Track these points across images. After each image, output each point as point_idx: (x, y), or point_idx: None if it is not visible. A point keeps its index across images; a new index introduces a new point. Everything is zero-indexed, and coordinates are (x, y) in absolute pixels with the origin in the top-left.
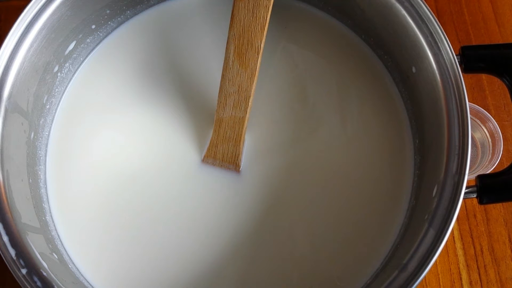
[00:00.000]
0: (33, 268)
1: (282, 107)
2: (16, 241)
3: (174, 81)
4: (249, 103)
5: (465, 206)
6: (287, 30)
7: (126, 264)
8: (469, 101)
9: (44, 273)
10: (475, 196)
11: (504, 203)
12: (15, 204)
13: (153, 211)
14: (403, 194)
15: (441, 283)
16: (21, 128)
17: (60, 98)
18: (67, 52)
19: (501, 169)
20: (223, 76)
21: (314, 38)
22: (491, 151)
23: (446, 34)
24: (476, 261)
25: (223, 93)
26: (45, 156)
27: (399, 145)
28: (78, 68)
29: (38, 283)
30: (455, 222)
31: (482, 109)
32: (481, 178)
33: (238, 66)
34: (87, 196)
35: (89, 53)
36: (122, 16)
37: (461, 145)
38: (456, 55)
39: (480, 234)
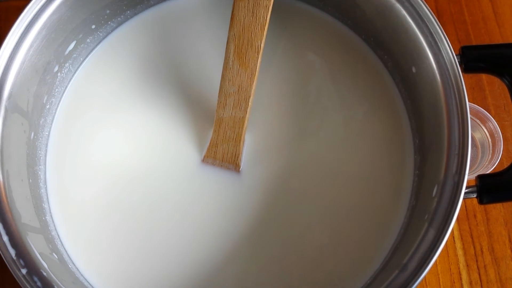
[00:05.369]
0: (33, 268)
1: (282, 107)
2: (16, 241)
3: (174, 81)
4: (249, 103)
5: (465, 206)
6: (287, 30)
7: (126, 264)
8: (469, 101)
9: (44, 273)
10: (475, 196)
11: (504, 203)
12: (15, 204)
13: (153, 211)
14: (403, 194)
15: (441, 283)
16: (21, 128)
17: (60, 98)
18: (67, 52)
19: (501, 169)
20: (223, 76)
21: (314, 38)
22: (491, 151)
23: (446, 34)
24: (476, 261)
25: (223, 93)
26: (45, 156)
27: (399, 145)
28: (78, 68)
29: (38, 283)
30: (455, 222)
31: (482, 109)
32: (481, 178)
33: (238, 66)
34: (87, 196)
35: (89, 53)
36: (122, 16)
37: (461, 145)
38: (456, 55)
39: (480, 234)
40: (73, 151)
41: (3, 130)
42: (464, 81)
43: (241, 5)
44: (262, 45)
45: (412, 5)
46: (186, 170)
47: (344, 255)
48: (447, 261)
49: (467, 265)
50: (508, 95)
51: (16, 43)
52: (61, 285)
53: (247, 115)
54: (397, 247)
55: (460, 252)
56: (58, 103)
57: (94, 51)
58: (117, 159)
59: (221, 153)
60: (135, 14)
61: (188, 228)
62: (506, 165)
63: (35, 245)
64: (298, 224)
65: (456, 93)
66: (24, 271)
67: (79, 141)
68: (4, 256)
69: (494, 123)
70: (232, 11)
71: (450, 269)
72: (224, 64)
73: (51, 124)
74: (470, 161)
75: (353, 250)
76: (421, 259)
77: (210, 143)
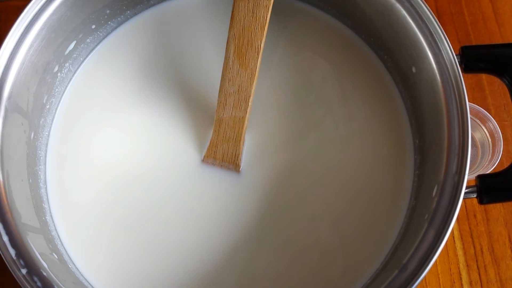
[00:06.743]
0: (33, 268)
1: (281, 107)
2: (16, 241)
3: (174, 81)
4: (249, 103)
5: (465, 206)
6: (287, 30)
7: (126, 264)
8: (469, 101)
9: (44, 273)
10: (475, 196)
11: (504, 203)
12: (15, 204)
13: (153, 211)
14: (403, 194)
15: (441, 283)
16: (21, 128)
17: (60, 98)
18: (67, 52)
19: (501, 169)
20: (223, 76)
21: (314, 38)
22: (491, 151)
23: (446, 34)
24: (476, 261)
25: (223, 93)
26: (45, 156)
27: (399, 145)
28: (78, 68)
29: (38, 283)
30: (455, 222)
31: (482, 109)
32: (481, 178)
33: (238, 66)
34: (87, 196)
35: (89, 53)
36: (122, 16)
37: (461, 145)
38: (456, 55)
39: (480, 234)
40: (73, 151)
41: (3, 130)
42: (464, 81)
43: (241, 5)
44: (262, 45)
45: (412, 5)
46: (186, 170)
47: (344, 255)
48: (447, 261)
49: (467, 265)
50: (508, 95)
51: (16, 43)
52: (61, 285)
53: (247, 115)
54: (397, 247)
55: (460, 252)
56: (58, 103)
57: (94, 51)
58: (117, 159)
59: (221, 153)
60: (135, 14)
61: (189, 228)
62: (506, 165)
63: (35, 245)
64: (298, 224)
65: (456, 93)
66: (24, 271)
67: (79, 141)
68: (4, 256)
69: (494, 123)
70: (232, 11)
71: (450, 269)
72: (224, 64)
73: (51, 124)
74: (470, 161)
75: (353, 250)
76: (421, 259)
77: (210, 143)
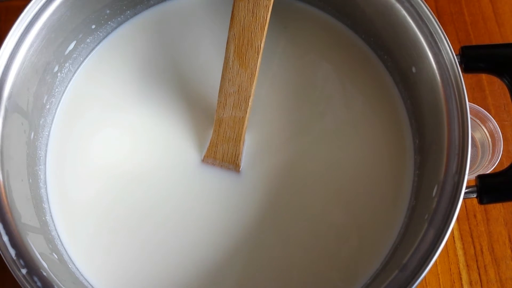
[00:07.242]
0: (33, 268)
1: (281, 107)
2: (16, 241)
3: (174, 81)
4: (249, 103)
5: (465, 206)
6: (287, 30)
7: (126, 264)
8: (469, 101)
9: (44, 273)
10: (475, 196)
11: (504, 203)
12: (15, 204)
13: (153, 211)
14: (403, 194)
15: (441, 283)
16: (21, 128)
17: (60, 98)
18: (67, 52)
19: (501, 169)
20: (223, 76)
21: (314, 38)
22: (491, 151)
23: (446, 34)
24: (476, 261)
25: (223, 93)
26: (45, 156)
27: (399, 145)
28: (78, 68)
29: (38, 283)
30: (455, 222)
31: (482, 109)
32: (481, 178)
33: (238, 66)
34: (87, 196)
35: (89, 53)
36: (122, 16)
37: (461, 145)
38: (456, 55)
39: (480, 234)
40: (73, 151)
41: (3, 130)
42: (464, 81)
43: (241, 5)
44: (262, 45)
45: (412, 5)
46: (186, 170)
47: (344, 255)
48: (447, 261)
49: (467, 265)
50: (508, 95)
51: (16, 43)
52: (61, 285)
53: (247, 115)
54: (397, 247)
55: (460, 252)
56: (58, 103)
57: (94, 51)
58: (117, 159)
59: (221, 153)
60: (135, 14)
61: (188, 228)
62: (506, 165)
63: (35, 245)
64: (298, 224)
65: (456, 93)
66: (24, 271)
67: (79, 141)
68: (4, 256)
69: (494, 123)
70: (232, 11)
71: (450, 269)
72: (224, 64)
73: (51, 124)
74: (470, 161)
75: (353, 249)
76: (421, 259)
77: (210, 143)
